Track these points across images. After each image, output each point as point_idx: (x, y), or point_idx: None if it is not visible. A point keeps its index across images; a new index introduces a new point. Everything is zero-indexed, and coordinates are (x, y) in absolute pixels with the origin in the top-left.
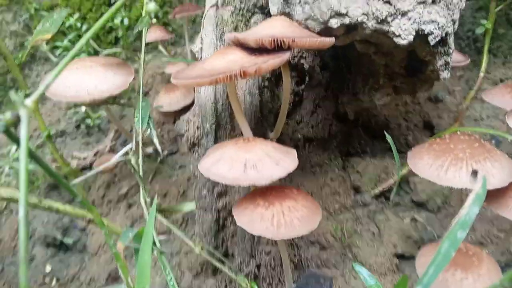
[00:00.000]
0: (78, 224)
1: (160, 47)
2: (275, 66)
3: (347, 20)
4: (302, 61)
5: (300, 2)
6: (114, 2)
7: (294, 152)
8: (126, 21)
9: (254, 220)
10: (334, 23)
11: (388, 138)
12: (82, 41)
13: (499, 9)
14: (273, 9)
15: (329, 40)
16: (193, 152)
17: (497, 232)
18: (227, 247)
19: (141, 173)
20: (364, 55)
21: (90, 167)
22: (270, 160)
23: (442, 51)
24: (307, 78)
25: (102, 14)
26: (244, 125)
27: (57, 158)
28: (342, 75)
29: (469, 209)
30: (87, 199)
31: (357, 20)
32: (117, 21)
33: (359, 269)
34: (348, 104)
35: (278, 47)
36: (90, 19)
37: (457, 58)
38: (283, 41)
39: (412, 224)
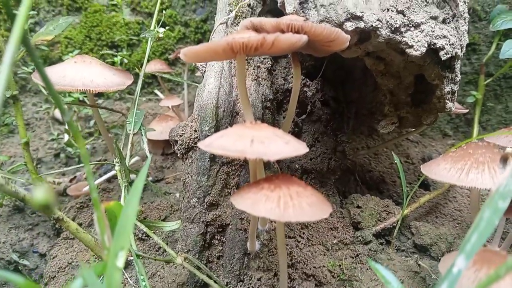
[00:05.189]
0: (39, 248)
1: (156, 91)
2: (292, 42)
3: (361, 24)
4: (305, 89)
5: (315, 6)
6: (117, 45)
7: (304, 143)
8: (125, 61)
9: (258, 201)
10: (349, 26)
11: (396, 158)
12: None
13: (487, 83)
14: (289, 8)
15: (346, 36)
16: (186, 158)
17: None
18: (211, 270)
19: (126, 180)
20: (367, 92)
21: (64, 193)
22: (279, 139)
23: (450, 77)
24: (309, 107)
25: (102, 55)
26: (248, 112)
27: (31, 169)
28: (342, 115)
29: (508, 181)
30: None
31: (372, 25)
32: (117, 59)
33: (377, 267)
34: (347, 143)
35: (294, 32)
36: None
37: (457, 105)
38: (301, 26)
39: (417, 266)
